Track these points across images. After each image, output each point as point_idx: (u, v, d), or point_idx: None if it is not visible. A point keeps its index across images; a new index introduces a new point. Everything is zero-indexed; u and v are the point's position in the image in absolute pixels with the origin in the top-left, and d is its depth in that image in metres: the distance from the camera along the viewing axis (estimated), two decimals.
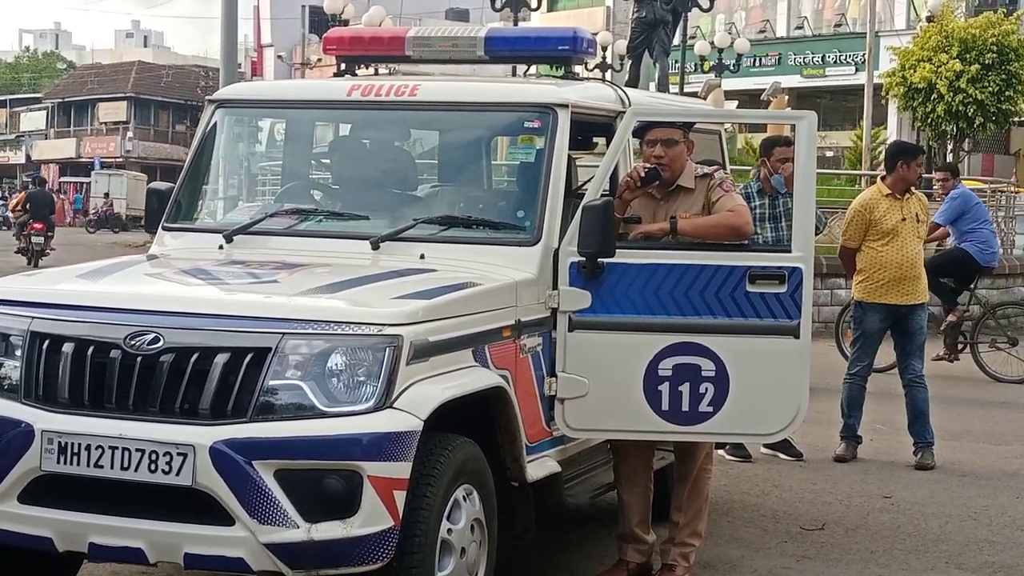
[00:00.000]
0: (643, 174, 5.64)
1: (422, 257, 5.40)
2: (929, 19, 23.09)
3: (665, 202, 5.79)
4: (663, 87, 17.97)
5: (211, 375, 4.47)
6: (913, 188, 8.89)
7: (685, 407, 5.46)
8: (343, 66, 6.38)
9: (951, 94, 21.48)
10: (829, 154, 32.93)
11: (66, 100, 68.58)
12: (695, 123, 6.35)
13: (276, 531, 4.36)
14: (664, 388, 5.44)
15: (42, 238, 25.10)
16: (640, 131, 5.80)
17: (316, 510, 4.38)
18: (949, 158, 22.85)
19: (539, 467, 5.29)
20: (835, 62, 34.74)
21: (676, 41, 21.25)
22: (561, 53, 6.23)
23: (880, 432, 9.72)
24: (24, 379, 4.67)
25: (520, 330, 5.24)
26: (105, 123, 66.11)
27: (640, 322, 5.42)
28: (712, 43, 26.94)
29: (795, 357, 5.50)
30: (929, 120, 22.15)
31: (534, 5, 24.09)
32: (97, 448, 4.47)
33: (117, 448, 4.46)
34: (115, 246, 31.57)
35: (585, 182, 6.30)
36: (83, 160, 64.59)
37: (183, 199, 6.05)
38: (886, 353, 9.89)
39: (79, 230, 45.75)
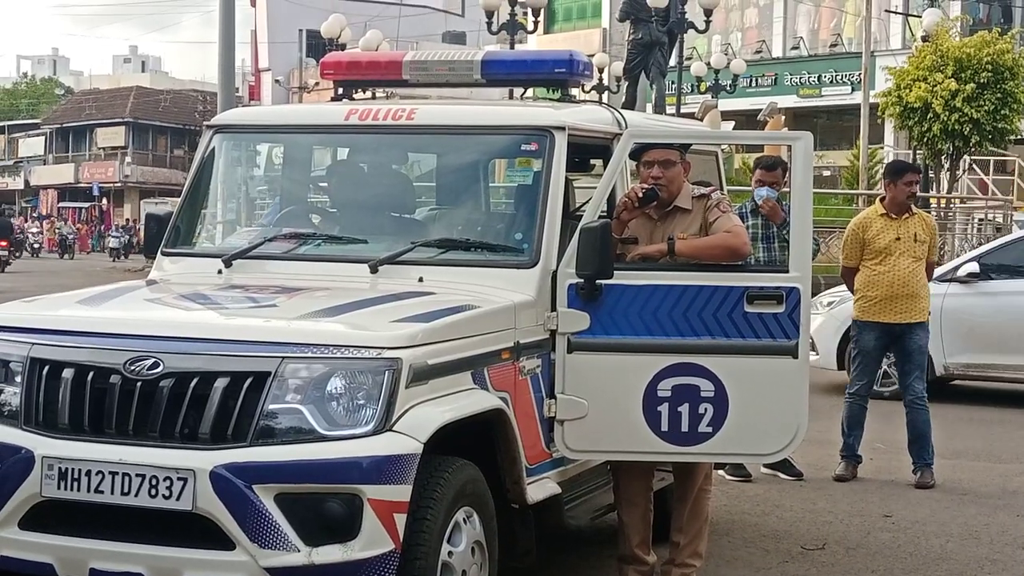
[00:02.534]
0: (641, 195, 5.65)
1: (420, 280, 5.41)
2: (924, 39, 23.14)
3: (662, 223, 5.80)
4: (660, 108, 18.07)
5: (211, 399, 4.48)
6: (914, 207, 8.88)
7: (684, 427, 5.46)
8: (340, 90, 6.40)
9: (947, 113, 21.52)
10: (826, 173, 33.01)
11: (64, 126, 68.67)
12: (691, 144, 6.37)
13: (277, 555, 4.36)
14: (663, 409, 5.44)
15: (6, 252, 34.60)
16: (637, 153, 5.82)
17: (316, 534, 4.38)
18: (945, 177, 22.91)
19: (539, 489, 5.29)
20: (831, 82, 34.86)
21: (672, 62, 21.35)
22: (557, 76, 6.25)
23: (880, 451, 9.71)
24: (24, 405, 4.68)
25: (519, 352, 5.24)
26: (103, 148, 66.18)
27: (639, 343, 5.43)
28: (708, 64, 27.04)
29: (794, 377, 5.51)
30: (925, 139, 22.19)
31: (530, 28, 24.18)
32: (97, 473, 4.48)
33: (117, 473, 4.46)
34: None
35: (583, 204, 6.31)
36: (81, 185, 64.66)
37: (182, 224, 6.06)
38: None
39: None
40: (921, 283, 8.79)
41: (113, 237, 50.06)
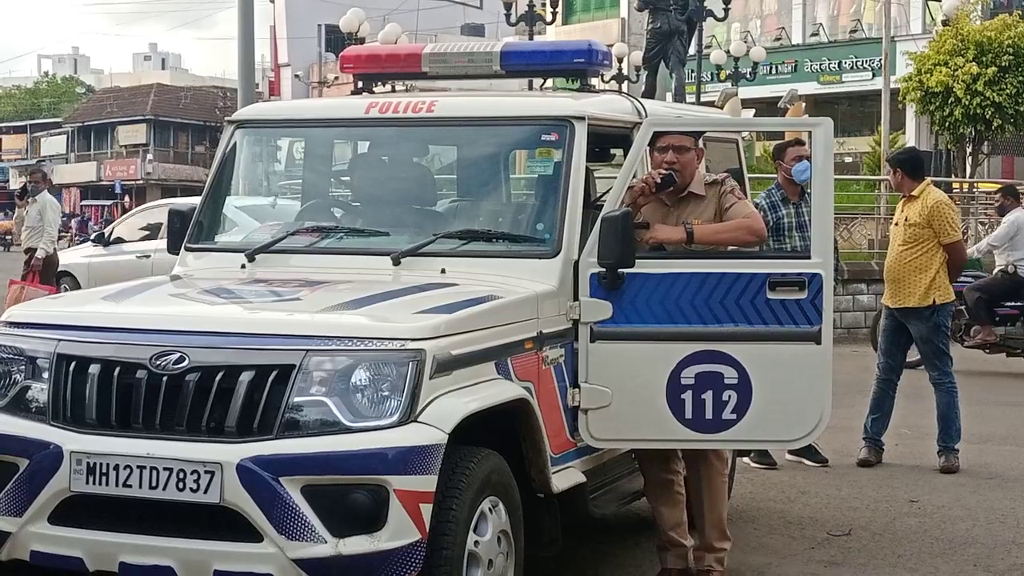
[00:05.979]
0: (659, 180, 5.66)
1: (443, 272, 5.43)
2: (945, 23, 23.04)
3: (676, 208, 5.80)
4: (680, 97, 18.00)
5: (236, 393, 4.51)
6: (916, 192, 8.70)
7: (708, 415, 5.47)
8: (360, 84, 6.42)
9: (968, 97, 21.42)
10: (848, 160, 32.90)
11: (86, 124, 68.95)
12: (704, 132, 6.37)
13: (304, 547, 4.39)
14: (687, 396, 5.45)
15: None
16: (651, 138, 5.81)
17: (343, 525, 4.41)
18: (968, 161, 22.81)
19: (564, 478, 5.30)
20: (851, 68, 34.71)
21: (692, 51, 21.27)
22: (576, 66, 6.27)
23: (906, 436, 9.70)
24: (52, 401, 4.72)
25: (542, 342, 5.26)
26: (125, 146, 66.43)
27: (662, 331, 5.44)
28: (728, 52, 26.96)
29: (817, 363, 5.51)
30: (947, 124, 22.09)
31: (549, 19, 24.16)
32: (125, 468, 4.51)
33: (145, 467, 4.50)
34: None
35: (603, 193, 6.32)
36: (104, 183, 64.90)
37: (204, 219, 6.09)
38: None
39: None
40: (908, 268, 8.59)
41: None
